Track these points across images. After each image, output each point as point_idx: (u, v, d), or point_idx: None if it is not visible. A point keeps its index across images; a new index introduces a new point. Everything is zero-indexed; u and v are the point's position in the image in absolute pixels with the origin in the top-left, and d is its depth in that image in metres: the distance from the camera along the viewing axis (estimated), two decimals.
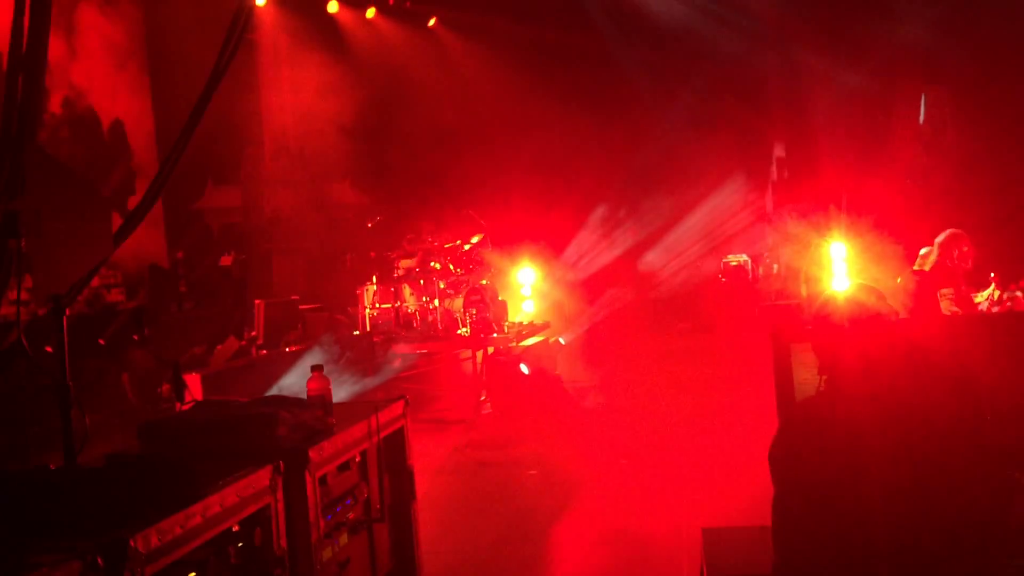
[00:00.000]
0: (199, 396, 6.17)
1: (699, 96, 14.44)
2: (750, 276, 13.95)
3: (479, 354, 10.24)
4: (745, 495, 5.88)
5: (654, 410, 9.08)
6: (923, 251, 7.30)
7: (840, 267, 9.11)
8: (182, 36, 10.86)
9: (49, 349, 3.74)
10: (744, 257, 14.24)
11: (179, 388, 4.41)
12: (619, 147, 14.42)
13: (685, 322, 13.94)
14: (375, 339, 10.27)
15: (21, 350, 3.68)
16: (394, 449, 4.36)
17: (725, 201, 14.74)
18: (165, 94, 11.83)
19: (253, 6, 11.78)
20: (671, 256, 14.56)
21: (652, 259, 14.57)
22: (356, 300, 10.98)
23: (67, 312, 3.18)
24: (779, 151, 14.32)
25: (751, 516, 5.59)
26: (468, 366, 10.56)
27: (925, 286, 6.76)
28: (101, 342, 7.66)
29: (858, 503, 2.91)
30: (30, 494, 2.61)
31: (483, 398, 10.01)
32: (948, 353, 3.48)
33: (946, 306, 6.60)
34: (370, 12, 14.33)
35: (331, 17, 14.03)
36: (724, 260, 14.59)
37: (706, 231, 14.65)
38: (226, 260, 11.86)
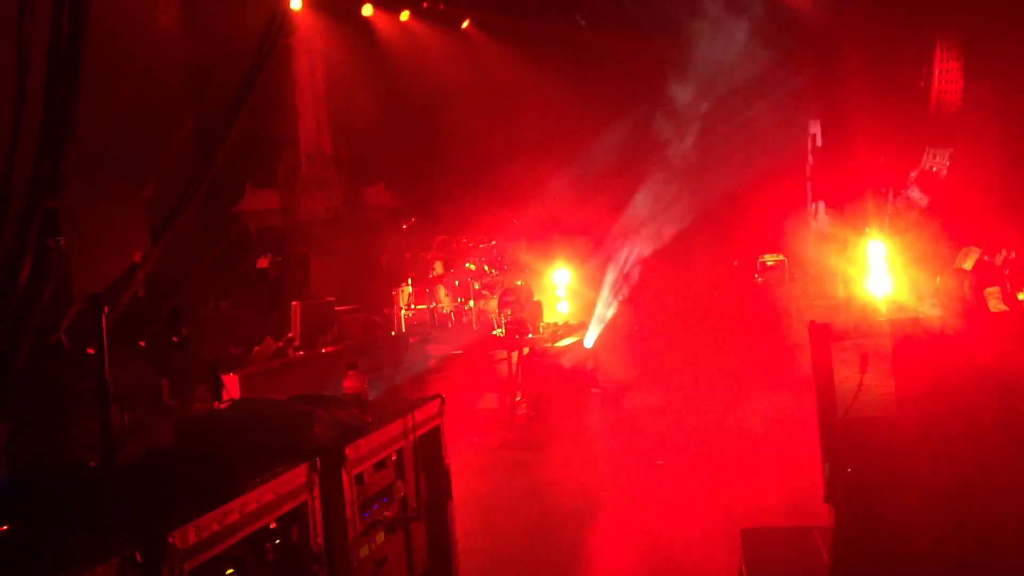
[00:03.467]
0: (236, 396, 6.21)
1: (733, 90, 14.29)
2: (787, 276, 13.83)
3: (514, 355, 10.22)
4: (784, 496, 5.82)
5: (690, 409, 9.02)
6: (964, 250, 7.18)
7: (879, 266, 8.99)
8: (219, 39, 10.96)
9: (91, 351, 3.77)
10: (780, 256, 14.12)
11: (217, 388, 4.44)
12: (653, 145, 14.32)
13: (722, 320, 13.81)
14: (411, 340, 10.29)
15: (61, 349, 3.72)
16: (430, 448, 4.35)
17: (762, 196, 14.58)
18: (203, 95, 11.95)
19: (288, 10, 11.87)
20: (708, 253, 14.43)
21: (687, 256, 14.45)
22: (391, 301, 11.01)
23: (106, 311, 3.21)
24: (814, 131, 14.13)
25: (790, 517, 5.55)
26: (503, 367, 10.55)
27: (973, 285, 6.65)
28: (141, 344, 7.74)
29: (905, 506, 2.87)
30: (69, 490, 2.63)
31: (518, 398, 9.99)
32: (996, 355, 3.41)
33: (993, 304, 6.49)
34: (404, 15, 14.38)
35: (366, 20, 14.10)
36: (760, 259, 14.47)
37: (741, 227, 14.49)
38: (263, 262, 11.94)
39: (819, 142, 14.12)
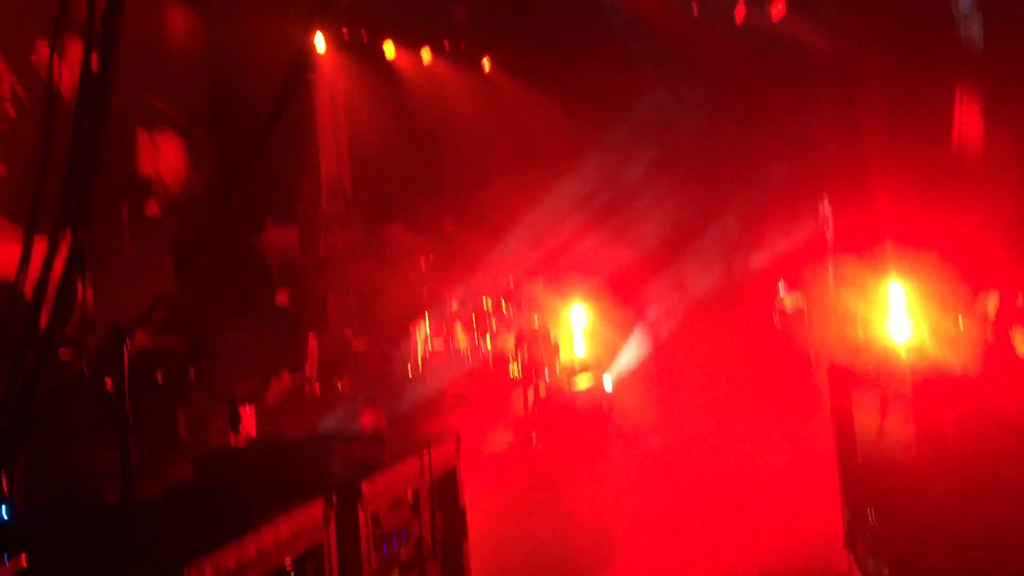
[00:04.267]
0: (253, 430, 6.22)
1: (753, 130, 14.34)
2: (806, 319, 13.72)
3: (531, 393, 10.19)
4: (804, 540, 5.75)
5: (708, 451, 8.93)
6: (984, 293, 7.11)
7: (899, 310, 8.91)
8: (243, 76, 11.12)
9: (109, 383, 3.79)
10: (800, 297, 14.02)
11: (235, 421, 4.45)
12: (672, 186, 14.36)
13: (739, 362, 13.71)
14: (427, 376, 10.29)
15: (83, 382, 3.73)
16: (446, 486, 4.33)
17: (780, 237, 14.56)
18: (228, 131, 12.11)
19: (311, 49, 12.03)
20: (725, 293, 14.37)
21: (705, 296, 14.40)
22: (409, 337, 11.02)
23: (128, 344, 3.23)
24: (831, 180, 14.12)
25: (809, 561, 5.47)
26: (520, 405, 10.51)
27: (996, 328, 6.58)
28: (159, 379, 7.77)
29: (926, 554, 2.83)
30: (88, 523, 2.63)
31: (535, 437, 9.94)
32: (1020, 399, 3.38)
33: (1020, 346, 6.41)
34: (426, 55, 14.54)
35: (387, 60, 14.26)
36: (778, 300, 14.38)
37: (760, 267, 14.44)
38: (282, 296, 11.98)
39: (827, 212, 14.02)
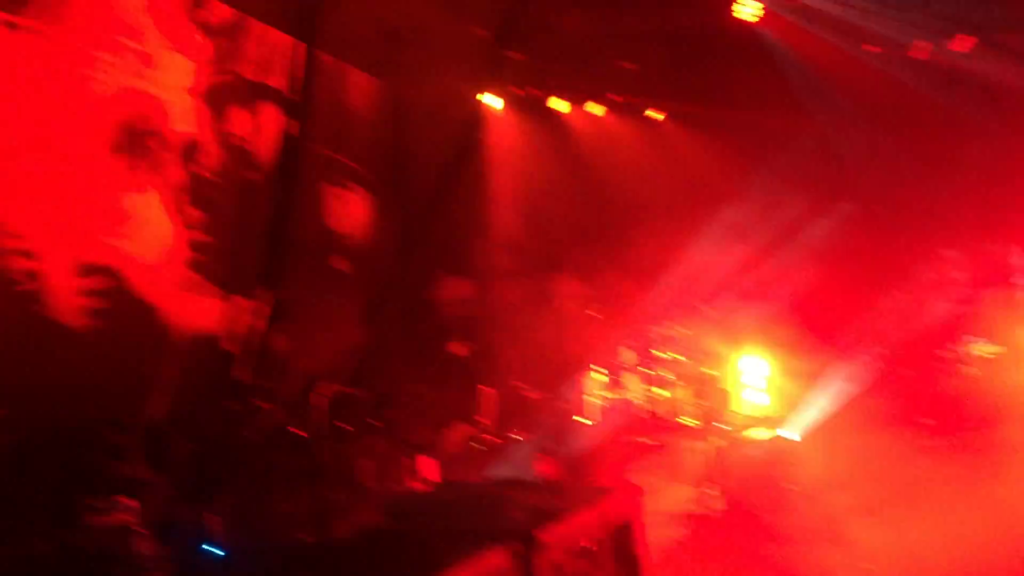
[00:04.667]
0: (434, 477, 6.39)
1: (933, 170, 13.71)
2: (1001, 366, 12.83)
3: (708, 446, 9.97)
4: None
5: (900, 511, 8.45)
6: None
7: None
8: (422, 133, 11.63)
9: (300, 432, 4.01)
10: (994, 346, 13.16)
11: (416, 469, 4.59)
12: (847, 230, 13.88)
13: (930, 417, 12.95)
14: (602, 427, 10.26)
15: (279, 430, 3.98)
16: (624, 538, 4.31)
17: (967, 281, 13.76)
18: (407, 188, 12.67)
19: (485, 106, 12.46)
20: (914, 346, 13.65)
21: (891, 340, 13.71)
22: (582, 389, 11.04)
23: (323, 395, 3.42)
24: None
25: None
26: (697, 458, 10.29)
27: None
28: (346, 427, 8.10)
29: None
30: (289, 565, 2.78)
31: (712, 492, 9.70)
32: None
33: None
34: (599, 109, 14.74)
35: (558, 115, 14.55)
36: (971, 349, 13.52)
37: (949, 312, 13.65)
38: (458, 348, 12.30)
39: None
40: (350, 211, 11.99)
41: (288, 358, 3.92)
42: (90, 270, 7.81)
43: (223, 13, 9.50)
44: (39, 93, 7.55)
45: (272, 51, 4.52)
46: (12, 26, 7.21)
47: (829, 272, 14.08)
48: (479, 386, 10.55)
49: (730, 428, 9.98)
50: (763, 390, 11.66)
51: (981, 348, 13.26)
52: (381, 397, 6.73)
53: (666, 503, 9.75)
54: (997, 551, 6.55)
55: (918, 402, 13.13)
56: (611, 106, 14.82)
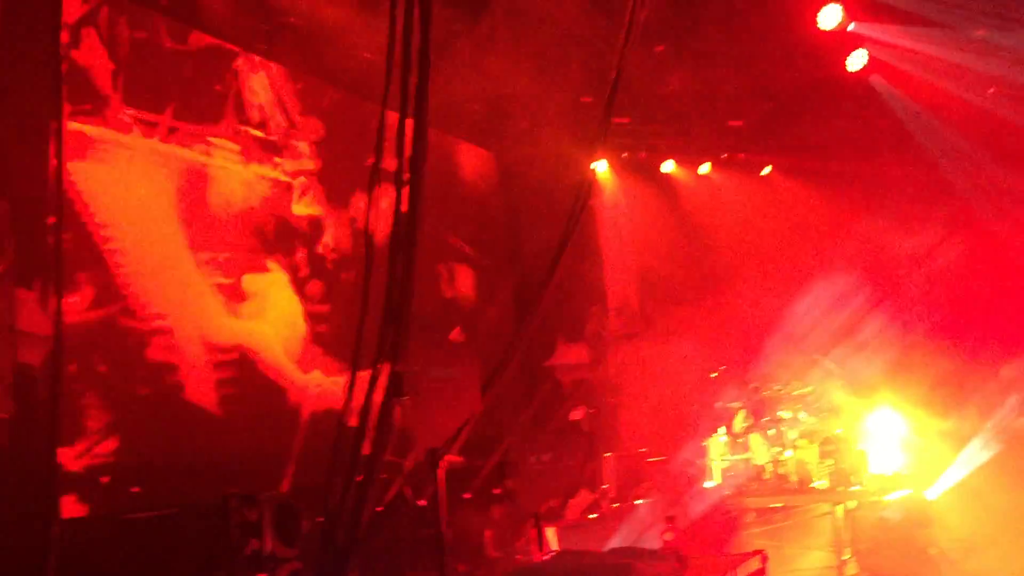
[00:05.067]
0: (555, 548, 6.34)
1: None
2: None
3: (839, 508, 9.59)
4: None
5: None
6: None
7: None
8: (533, 201, 11.82)
9: (423, 502, 4.06)
10: None
11: (539, 539, 4.58)
12: (984, 279, 13.34)
13: None
14: (726, 492, 10.00)
15: (403, 501, 4.04)
16: None
17: None
18: (521, 257, 12.86)
19: (594, 172, 12.59)
20: None
21: None
22: (704, 452, 10.82)
23: (442, 465, 3.48)
24: None
25: None
26: (825, 522, 9.89)
27: None
28: (467, 496, 8.16)
29: None
30: None
31: (846, 557, 9.30)
32: None
33: None
34: (705, 168, 14.71)
35: (666, 176, 14.56)
36: None
37: None
38: (576, 414, 12.27)
39: None
40: (466, 282, 12.24)
41: (408, 430, 4.00)
42: (221, 350, 8.18)
43: (333, 95, 9.97)
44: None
45: (381, 129, 4.70)
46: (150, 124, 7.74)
47: (966, 322, 13.54)
48: (600, 452, 10.48)
49: (862, 489, 9.57)
50: (896, 448, 11.17)
51: None
52: (502, 466, 6.77)
53: (797, 570, 9.39)
54: None
55: None
56: (717, 163, 14.77)
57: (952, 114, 13.56)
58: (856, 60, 12.46)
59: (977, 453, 11.85)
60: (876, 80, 13.46)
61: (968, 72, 12.76)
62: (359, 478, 4.25)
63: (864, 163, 14.30)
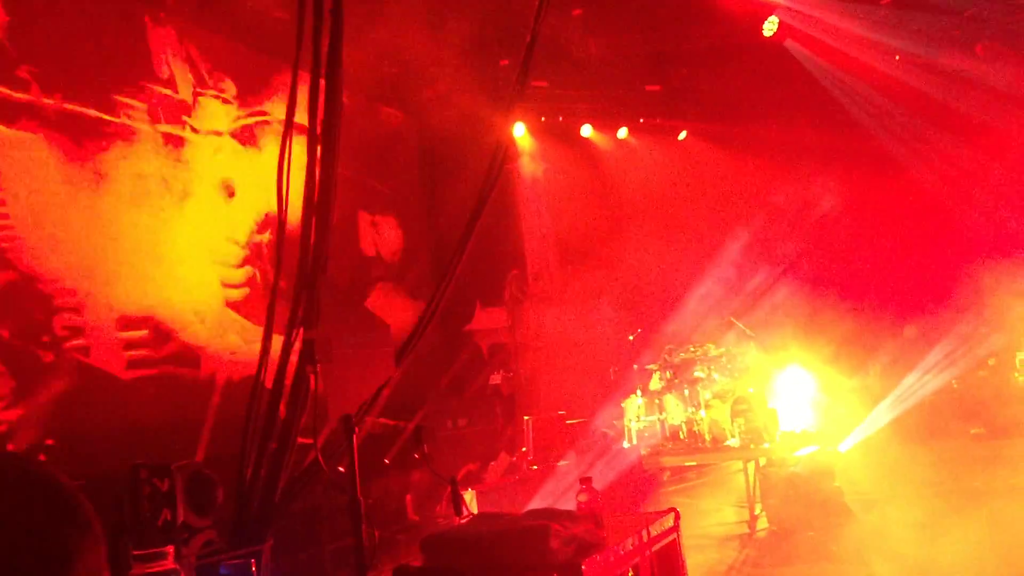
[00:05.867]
0: (475, 510, 6.38)
1: (970, 176, 13.63)
2: None
3: (750, 466, 9.86)
4: None
5: (950, 524, 8.28)
6: None
7: None
8: (451, 165, 11.76)
9: (342, 469, 4.02)
10: None
11: (457, 503, 4.59)
12: (887, 242, 13.79)
13: (979, 426, 12.75)
14: (642, 451, 10.20)
15: (319, 470, 4.01)
16: (667, 564, 4.28)
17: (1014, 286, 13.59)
18: (439, 221, 12.80)
19: (512, 137, 12.55)
20: (956, 351, 13.48)
21: (935, 357, 13.55)
22: (621, 413, 11.00)
23: (357, 431, 3.45)
24: None
25: None
26: (739, 478, 10.19)
27: None
28: (386, 461, 8.15)
29: None
30: None
31: (758, 512, 9.59)
32: None
33: None
34: (622, 132, 14.81)
35: (584, 140, 14.62)
36: (1021, 356, 13.35)
37: (996, 325, 13.49)
38: (495, 378, 12.33)
39: None
40: (386, 239, 12.13)
41: (324, 395, 3.96)
42: (131, 316, 7.96)
43: (245, 53, 9.71)
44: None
45: (293, 91, 4.59)
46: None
47: (869, 282, 13.98)
48: (519, 415, 10.56)
49: (772, 446, 9.86)
50: (806, 405, 11.53)
51: None
52: (419, 431, 6.77)
53: (710, 525, 9.65)
54: None
55: (967, 412, 12.94)
56: (634, 127, 14.88)
57: (862, 78, 13.92)
58: (770, 26, 12.68)
59: (881, 411, 12.32)
60: (791, 45, 13.71)
61: (875, 42, 13.11)
62: (274, 445, 4.20)
63: (778, 128, 14.59)
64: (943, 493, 9.59)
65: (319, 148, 4.53)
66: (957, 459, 11.25)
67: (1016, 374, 13.26)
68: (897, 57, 13.59)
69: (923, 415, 12.80)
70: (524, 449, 9.36)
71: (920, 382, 13.03)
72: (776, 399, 11.15)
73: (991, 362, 13.64)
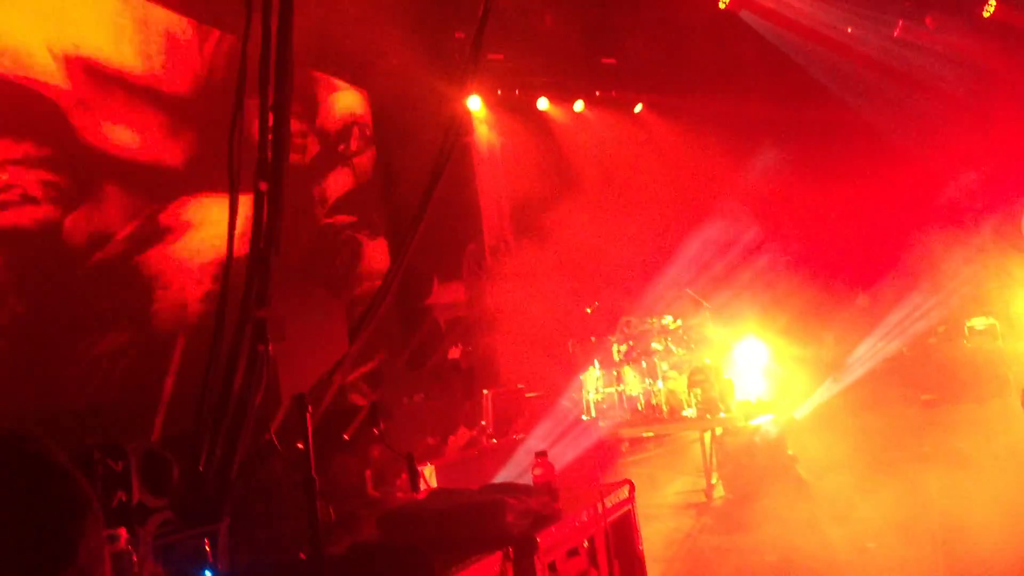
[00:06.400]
0: (433, 486, 6.42)
1: (919, 146, 13.85)
2: (999, 339, 12.94)
3: (707, 435, 10.01)
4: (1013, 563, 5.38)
5: (900, 489, 8.48)
6: None
7: None
8: (407, 140, 11.67)
9: (300, 445, 4.01)
10: (991, 320, 13.29)
11: (414, 478, 4.61)
12: (838, 213, 13.98)
13: (929, 392, 13.03)
14: (600, 423, 10.29)
15: (273, 446, 4.00)
16: (623, 534, 4.34)
17: (969, 257, 13.88)
18: (392, 198, 12.72)
19: (466, 110, 12.49)
20: (907, 320, 13.75)
21: (887, 326, 13.80)
22: (579, 386, 11.08)
23: (310, 409, 3.44)
24: None
25: None
26: (696, 448, 10.34)
27: None
28: (345, 437, 8.12)
29: None
30: None
31: (714, 481, 9.74)
32: None
33: None
34: (578, 105, 14.80)
35: (541, 113, 14.60)
36: (969, 324, 13.64)
37: (946, 293, 13.78)
38: (454, 353, 12.34)
39: None
40: (343, 218, 12.05)
41: (277, 373, 3.95)
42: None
43: (194, 26, 9.54)
44: None
45: (243, 65, 4.52)
46: None
47: (822, 254, 14.17)
48: (478, 389, 10.59)
49: (728, 416, 10.01)
50: (761, 376, 11.70)
51: (977, 322, 13.37)
52: (377, 406, 6.77)
53: (668, 494, 9.79)
54: (996, 521, 6.58)
55: (917, 379, 13.22)
56: (590, 101, 14.88)
57: (817, 48, 14.04)
58: None
59: (834, 380, 12.54)
60: (746, 16, 13.78)
61: (829, 12, 13.23)
62: (228, 424, 4.18)
63: (733, 99, 14.68)
64: (893, 459, 9.81)
65: (271, 120, 4.48)
66: (908, 425, 11.50)
67: (965, 341, 13.56)
68: (849, 29, 13.72)
69: (875, 383, 13.05)
70: (483, 423, 9.40)
71: (872, 350, 13.27)
72: (732, 370, 11.31)
73: (940, 329, 13.94)
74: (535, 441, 8.90)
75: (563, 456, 8.62)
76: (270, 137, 4.41)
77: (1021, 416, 4.07)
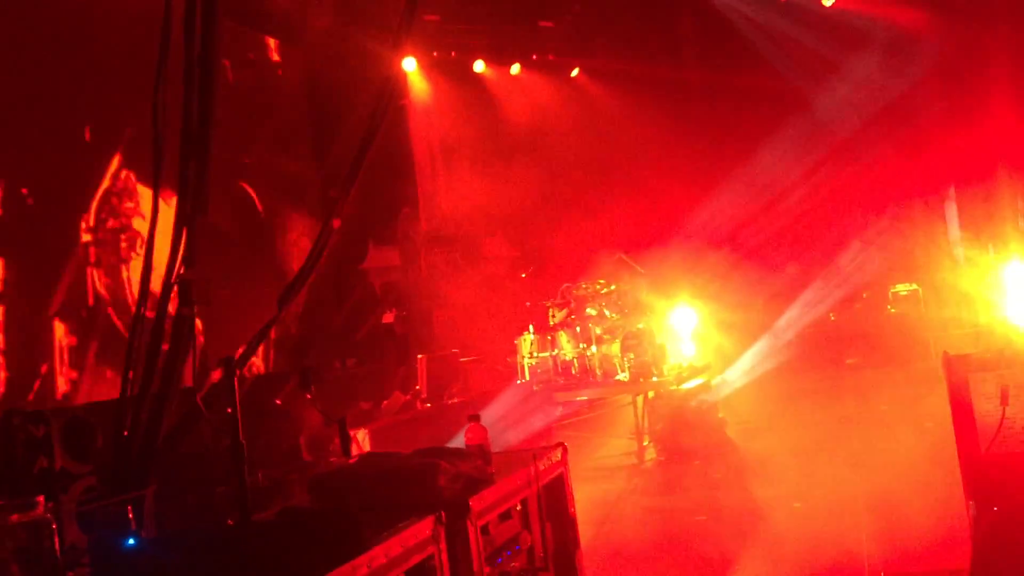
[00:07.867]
0: (367, 451, 6.38)
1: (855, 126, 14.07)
2: (922, 305, 13.31)
3: (639, 399, 10.13)
4: (926, 539, 5.56)
5: (826, 450, 8.71)
6: None
7: (1020, 290, 8.54)
8: (340, 102, 11.47)
9: (228, 411, 3.93)
10: (914, 286, 13.64)
11: (346, 444, 4.57)
12: (768, 180, 14.16)
13: (854, 356, 13.37)
14: (534, 387, 10.34)
15: (199, 412, 3.91)
16: (556, 497, 4.35)
17: (893, 225, 14.21)
18: (325, 161, 12.51)
19: (401, 72, 12.30)
20: (833, 286, 14.05)
21: (813, 291, 14.09)
22: (514, 350, 11.10)
23: (238, 373, 3.37)
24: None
25: (933, 560, 5.29)
26: (629, 411, 10.46)
27: None
28: (278, 402, 8.02)
29: None
30: (206, 549, 2.76)
31: (646, 443, 9.88)
32: None
33: None
34: (515, 68, 14.70)
35: (477, 76, 14.46)
36: (893, 290, 13.99)
37: (872, 258, 14.11)
38: (388, 317, 12.25)
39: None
40: (274, 180, 11.81)
41: (206, 337, 3.86)
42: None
43: None
44: None
45: (167, 17, 4.34)
46: None
47: (754, 221, 14.36)
48: (412, 354, 10.54)
49: (661, 380, 10.13)
50: (693, 340, 11.86)
51: (901, 288, 13.71)
52: (308, 371, 6.69)
53: (601, 457, 9.91)
54: (918, 480, 6.79)
55: (843, 343, 13.54)
56: (527, 64, 14.79)
57: (756, 16, 14.12)
58: None
59: (763, 345, 12.78)
60: None
61: None
62: (154, 389, 4.07)
63: (669, 65, 14.73)
64: (819, 421, 10.06)
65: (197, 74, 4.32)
66: (833, 388, 11.79)
67: (889, 306, 13.92)
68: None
69: (802, 347, 13.34)
70: (417, 388, 9.36)
71: (800, 315, 13.55)
72: (665, 335, 11.44)
73: (865, 295, 14.28)
74: (469, 405, 8.89)
75: (496, 420, 8.65)
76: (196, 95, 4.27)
77: (942, 379, 4.18)
